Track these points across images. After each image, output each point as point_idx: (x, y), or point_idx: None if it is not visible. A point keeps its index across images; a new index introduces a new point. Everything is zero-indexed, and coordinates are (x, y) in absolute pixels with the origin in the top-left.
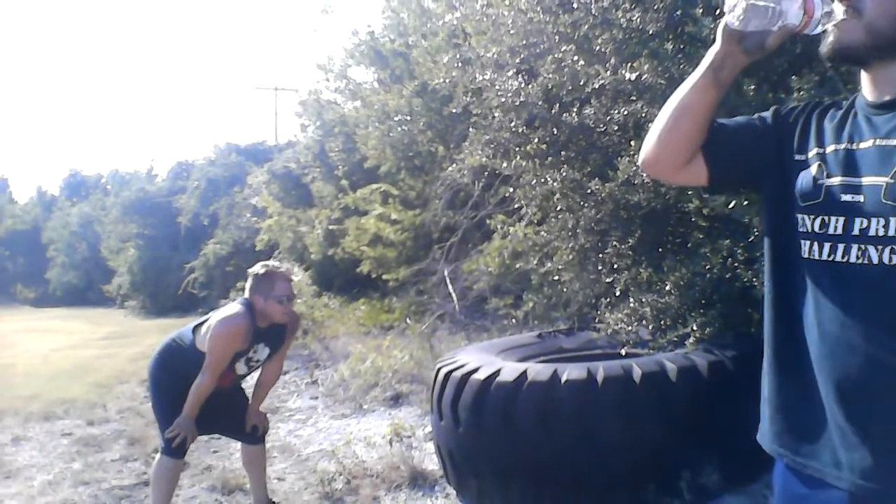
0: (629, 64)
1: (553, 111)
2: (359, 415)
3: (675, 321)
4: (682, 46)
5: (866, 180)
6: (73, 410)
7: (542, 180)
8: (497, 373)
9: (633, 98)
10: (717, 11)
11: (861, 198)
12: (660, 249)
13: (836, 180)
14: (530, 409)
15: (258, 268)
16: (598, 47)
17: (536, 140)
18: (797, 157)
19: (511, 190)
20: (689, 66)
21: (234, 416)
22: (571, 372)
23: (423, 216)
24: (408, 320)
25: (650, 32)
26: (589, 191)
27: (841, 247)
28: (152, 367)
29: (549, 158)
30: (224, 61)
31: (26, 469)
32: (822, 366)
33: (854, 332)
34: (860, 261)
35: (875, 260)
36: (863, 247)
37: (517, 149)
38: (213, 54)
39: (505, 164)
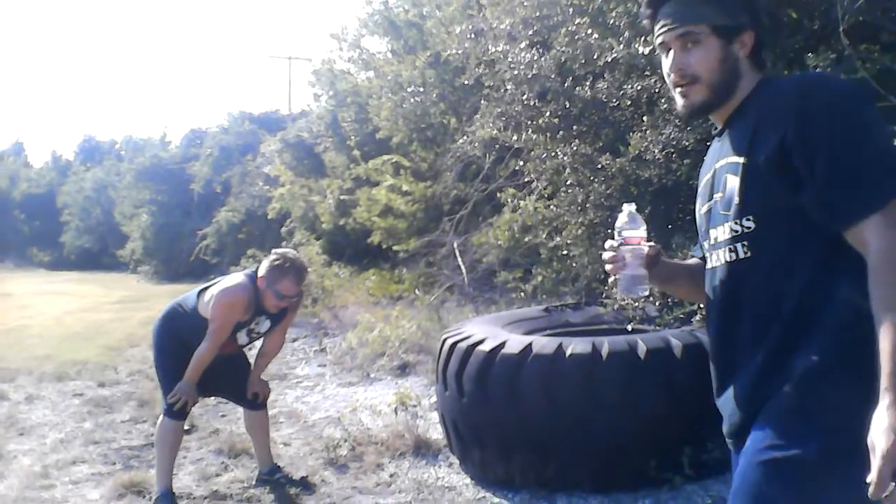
0: (643, 38)
1: (566, 84)
2: (365, 383)
3: (682, 298)
4: None
5: (716, 197)
6: (85, 372)
7: (553, 154)
8: (502, 345)
9: (647, 73)
10: None
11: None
12: (669, 226)
13: (703, 206)
14: (534, 381)
15: (277, 255)
16: (612, 20)
17: (548, 113)
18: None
19: (522, 163)
20: None
21: (236, 381)
22: (576, 346)
23: (433, 188)
24: (417, 291)
25: None
26: (599, 166)
27: (712, 255)
28: (156, 331)
29: (561, 132)
30: (238, 29)
31: (39, 427)
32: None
33: (723, 320)
34: (716, 263)
35: (722, 260)
36: (718, 252)
37: (529, 122)
38: (227, 22)
39: (516, 138)
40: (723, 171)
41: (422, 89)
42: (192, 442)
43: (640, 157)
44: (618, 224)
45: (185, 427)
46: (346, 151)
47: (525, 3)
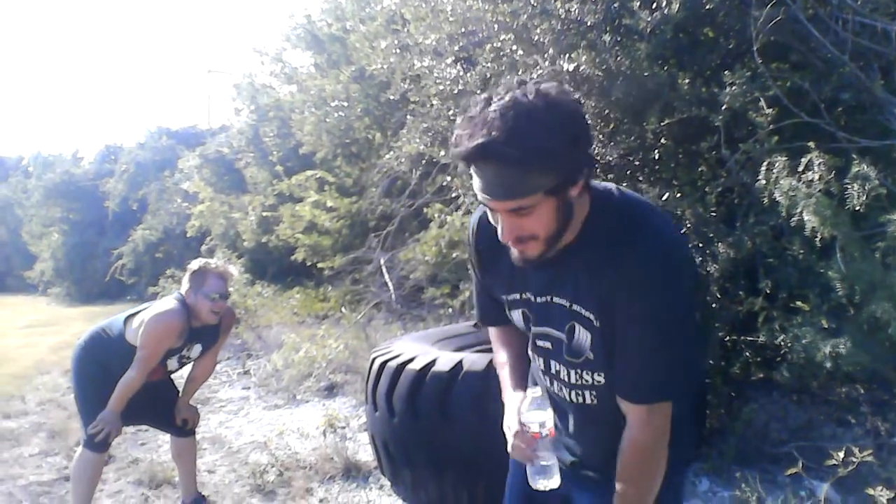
0: (567, 55)
1: None
2: (292, 405)
3: None
4: (619, 38)
5: (553, 329)
6: None
7: None
8: (433, 363)
9: (571, 89)
10: (654, 4)
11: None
12: None
13: (519, 296)
14: (465, 399)
15: (193, 264)
16: (536, 37)
17: None
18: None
19: (449, 178)
20: (625, 59)
21: (164, 408)
22: None
23: (359, 204)
24: (343, 309)
25: (588, 24)
26: None
27: (551, 380)
28: (77, 357)
29: None
30: (155, 43)
31: None
32: None
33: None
34: (558, 392)
35: (569, 399)
36: (561, 387)
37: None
38: (144, 36)
39: (443, 153)
40: (566, 313)
41: (346, 104)
42: (109, 473)
43: None
44: (537, 416)
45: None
46: (269, 167)
47: (450, 19)
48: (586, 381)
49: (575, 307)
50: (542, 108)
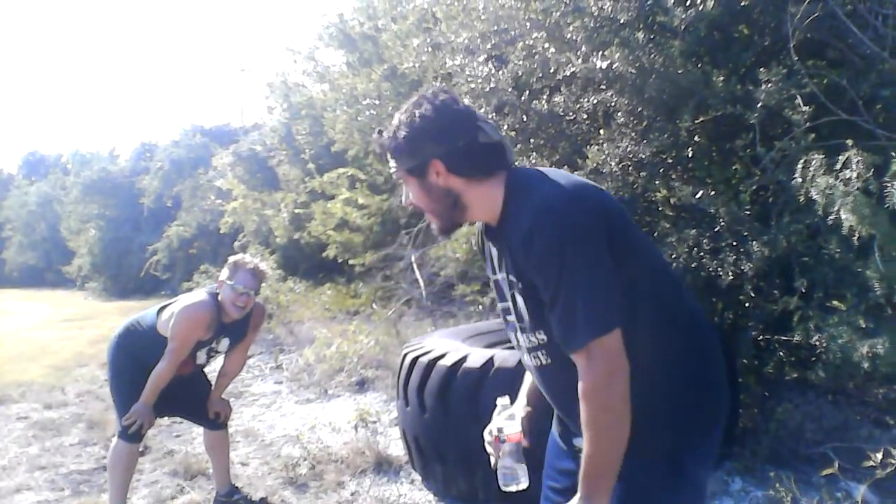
0: (600, 52)
1: (523, 98)
2: (324, 400)
3: None
4: (652, 36)
5: (507, 304)
6: (30, 393)
7: None
8: (464, 359)
9: (603, 87)
10: (688, 1)
11: (513, 317)
12: None
13: (492, 277)
14: (497, 395)
15: (231, 258)
16: (569, 35)
17: (506, 127)
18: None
19: None
20: (658, 56)
21: (196, 401)
22: None
23: (390, 201)
24: (374, 306)
25: (621, 21)
26: None
27: (519, 348)
28: (112, 350)
29: (519, 146)
30: (190, 42)
31: None
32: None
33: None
34: (527, 361)
35: (532, 364)
36: (524, 353)
37: None
38: (179, 35)
39: None
40: (506, 284)
41: (377, 102)
42: (145, 464)
43: (598, 170)
44: (498, 423)
45: (139, 449)
46: (301, 164)
47: (482, 17)
48: (533, 342)
49: (510, 277)
50: (413, 113)
